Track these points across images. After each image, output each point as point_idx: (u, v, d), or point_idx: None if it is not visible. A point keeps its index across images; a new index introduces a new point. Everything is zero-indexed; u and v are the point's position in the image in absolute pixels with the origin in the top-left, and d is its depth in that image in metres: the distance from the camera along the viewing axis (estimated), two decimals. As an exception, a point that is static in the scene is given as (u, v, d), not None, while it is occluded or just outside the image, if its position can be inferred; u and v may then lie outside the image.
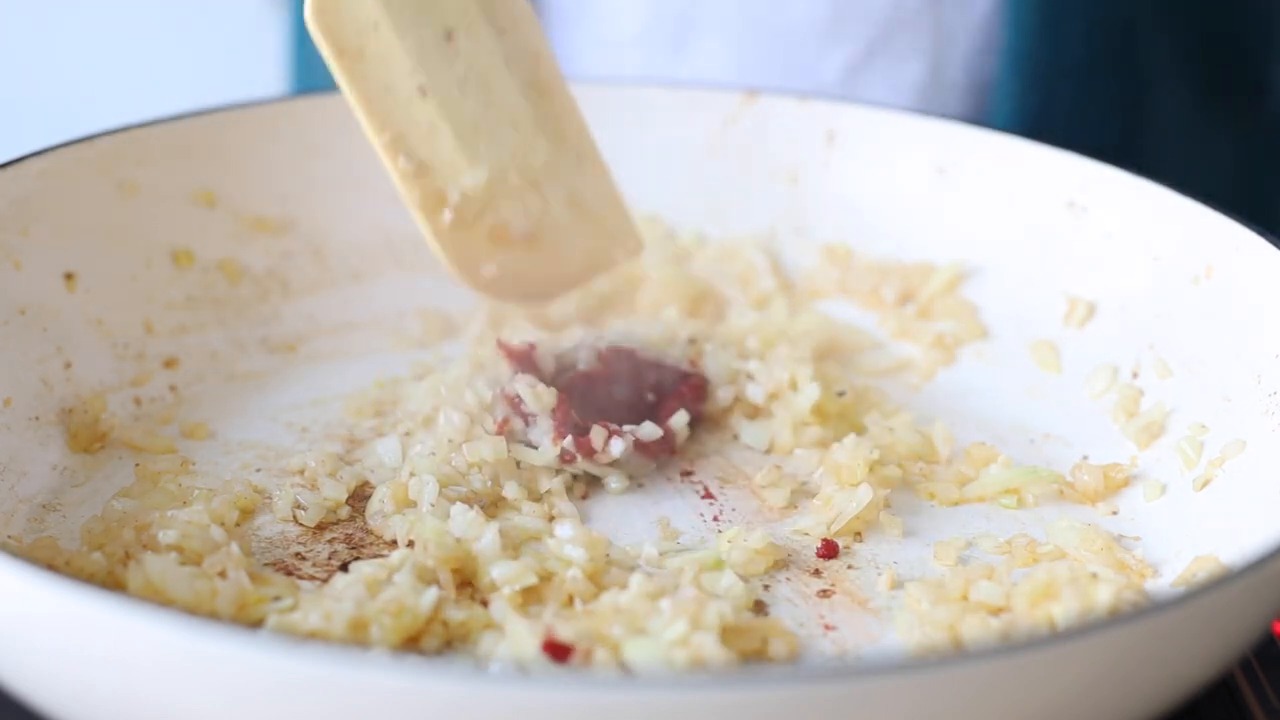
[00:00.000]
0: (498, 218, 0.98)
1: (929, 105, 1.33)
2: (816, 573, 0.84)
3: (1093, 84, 1.34)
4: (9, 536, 0.83)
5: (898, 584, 0.82)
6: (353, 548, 0.84)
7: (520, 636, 0.73)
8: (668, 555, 0.83)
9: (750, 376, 0.95)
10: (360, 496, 0.88)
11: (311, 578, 0.82)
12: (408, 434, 0.92)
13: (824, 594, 0.82)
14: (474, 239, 0.98)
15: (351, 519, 0.87)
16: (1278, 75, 1.47)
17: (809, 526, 0.86)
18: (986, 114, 1.34)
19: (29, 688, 0.67)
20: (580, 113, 1.01)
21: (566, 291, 1.04)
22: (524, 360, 0.92)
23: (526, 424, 0.88)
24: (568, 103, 1.01)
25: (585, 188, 1.02)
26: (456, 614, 0.77)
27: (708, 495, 0.90)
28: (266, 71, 1.78)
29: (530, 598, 0.79)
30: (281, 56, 1.57)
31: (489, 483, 0.86)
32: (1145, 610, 0.62)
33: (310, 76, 1.48)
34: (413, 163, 0.96)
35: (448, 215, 0.97)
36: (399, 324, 1.06)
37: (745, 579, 0.82)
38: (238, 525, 0.85)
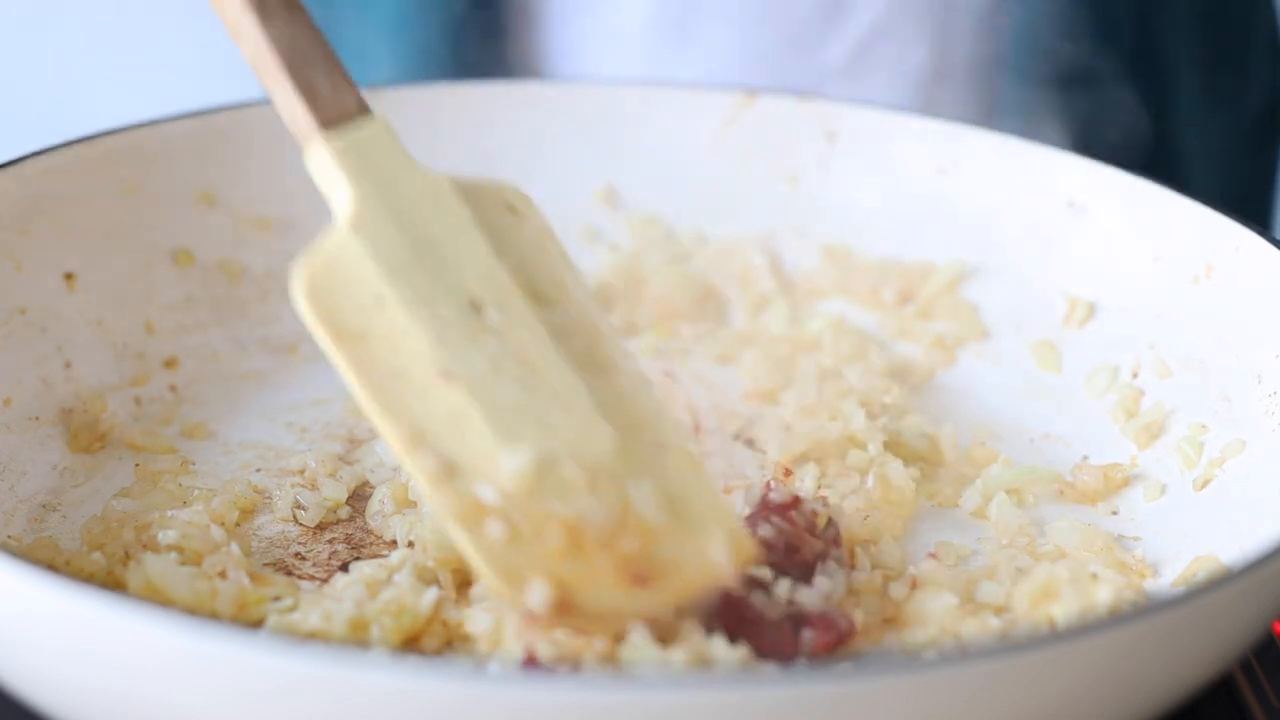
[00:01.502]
0: (551, 519, 0.73)
1: (933, 90, 1.33)
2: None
3: (1104, 66, 1.34)
4: (9, 536, 0.83)
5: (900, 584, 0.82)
6: (353, 548, 0.84)
7: (504, 653, 0.72)
8: None
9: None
10: (360, 496, 0.88)
11: (311, 578, 0.82)
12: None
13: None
14: (530, 551, 0.72)
15: (351, 519, 0.87)
16: (1257, 59, 1.48)
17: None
18: (993, 100, 1.35)
19: (29, 688, 0.67)
20: (654, 394, 0.80)
21: (652, 614, 0.74)
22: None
23: None
24: (637, 382, 0.79)
25: (669, 481, 0.76)
26: (456, 614, 0.77)
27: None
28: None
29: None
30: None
31: None
32: (1145, 610, 0.62)
33: None
34: (439, 461, 0.73)
35: (495, 527, 0.72)
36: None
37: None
38: (238, 525, 0.85)
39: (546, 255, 0.80)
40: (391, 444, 0.73)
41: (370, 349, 0.74)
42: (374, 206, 0.76)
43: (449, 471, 0.73)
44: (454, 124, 1.11)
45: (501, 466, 0.73)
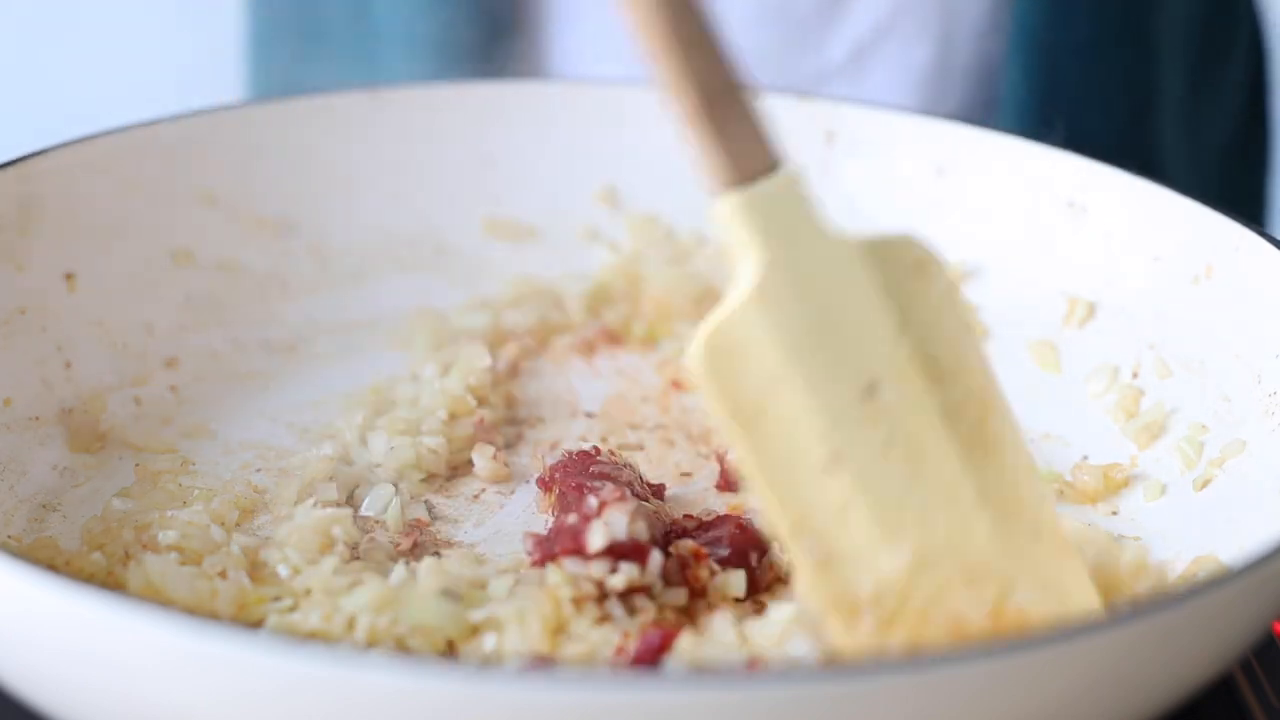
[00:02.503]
0: (923, 613, 0.72)
1: (937, 88, 1.33)
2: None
3: (1102, 61, 1.34)
4: (9, 536, 0.83)
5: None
6: (352, 547, 0.84)
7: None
8: None
9: None
10: (359, 496, 0.88)
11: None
12: (402, 433, 0.92)
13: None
14: (889, 640, 0.72)
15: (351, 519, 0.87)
16: (1241, 38, 1.48)
17: None
18: (995, 97, 1.35)
19: (29, 688, 0.67)
20: (1037, 475, 0.77)
21: None
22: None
23: None
24: (1019, 462, 0.76)
25: (1039, 570, 0.75)
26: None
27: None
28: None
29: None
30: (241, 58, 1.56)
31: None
32: (1145, 610, 0.62)
33: (270, 79, 1.48)
34: (822, 549, 0.71)
35: (868, 621, 0.71)
36: (399, 324, 1.06)
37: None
38: (238, 525, 0.85)
39: (949, 323, 0.75)
40: (777, 525, 0.71)
41: (765, 428, 0.71)
42: (780, 276, 0.72)
43: (828, 562, 0.71)
44: (454, 124, 1.11)
45: (880, 563, 0.71)
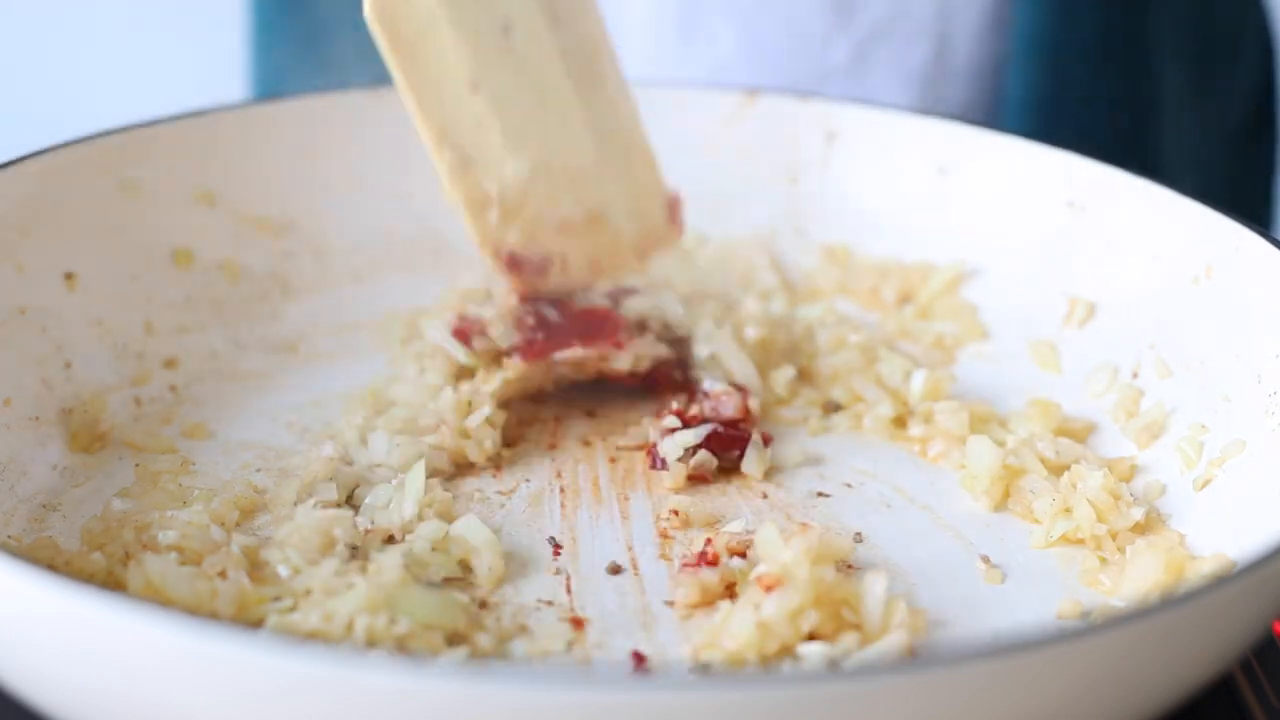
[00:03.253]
0: (538, 210, 0.97)
1: (937, 89, 1.33)
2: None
3: (1105, 63, 1.34)
4: (9, 536, 0.83)
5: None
6: (352, 548, 0.84)
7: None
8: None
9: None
10: (359, 496, 0.88)
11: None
12: (400, 431, 0.92)
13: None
14: (514, 231, 0.97)
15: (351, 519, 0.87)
16: (1245, 58, 1.48)
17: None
18: (997, 97, 1.35)
19: (29, 688, 0.67)
20: (632, 103, 1.00)
21: (598, 281, 1.03)
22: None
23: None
24: (620, 94, 1.00)
25: (629, 183, 1.00)
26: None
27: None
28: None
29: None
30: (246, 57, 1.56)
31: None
32: (1145, 610, 0.62)
33: (272, 76, 1.48)
34: (458, 156, 0.94)
35: (494, 214, 0.96)
36: (398, 324, 1.06)
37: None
38: (238, 525, 0.85)
39: None
40: (424, 138, 0.93)
41: (419, 59, 0.93)
42: None
43: (465, 164, 0.95)
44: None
45: (506, 168, 0.95)
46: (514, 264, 0.97)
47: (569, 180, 0.97)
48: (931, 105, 1.34)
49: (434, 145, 0.94)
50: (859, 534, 0.86)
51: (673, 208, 1.02)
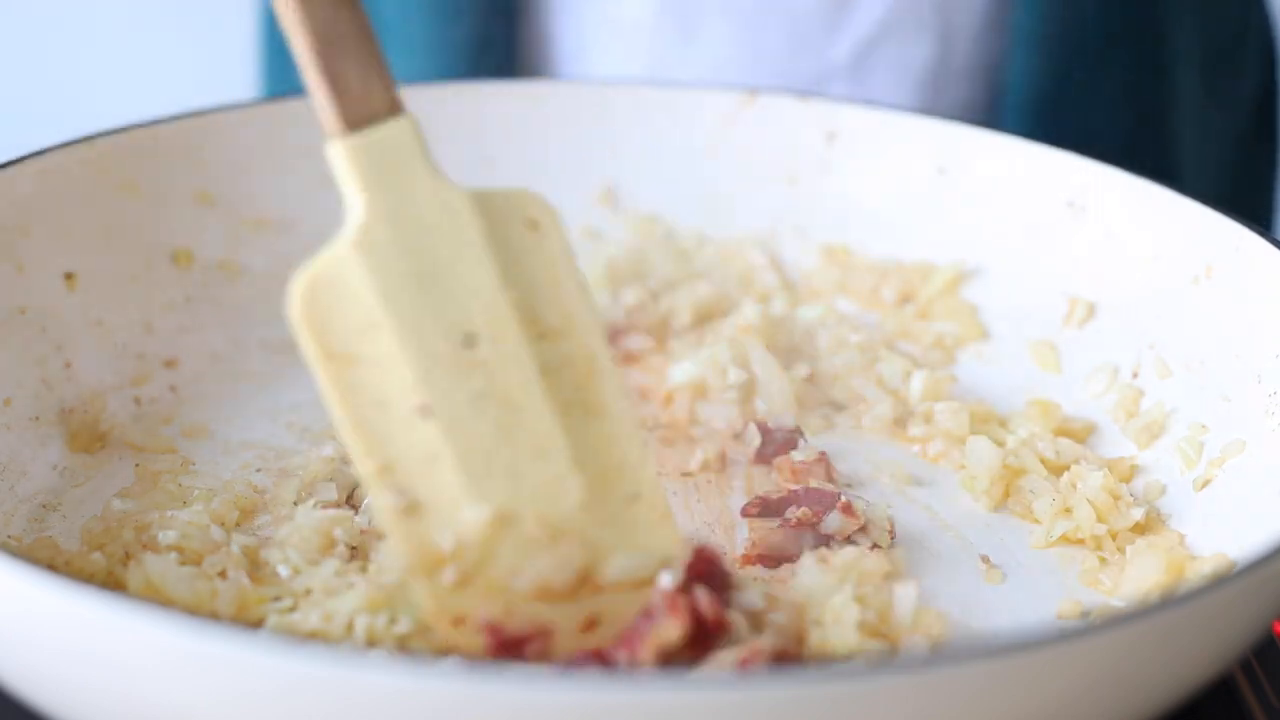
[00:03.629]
0: (507, 571, 0.72)
1: (938, 88, 1.33)
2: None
3: (1109, 62, 1.34)
4: (9, 536, 0.83)
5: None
6: (352, 548, 0.84)
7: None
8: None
9: None
10: (359, 496, 0.88)
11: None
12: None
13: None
14: (473, 596, 0.73)
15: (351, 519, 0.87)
16: (1251, 57, 1.48)
17: None
18: (997, 96, 1.35)
19: (29, 688, 0.67)
20: (639, 440, 0.76)
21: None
22: None
23: None
24: (622, 428, 0.76)
25: (630, 537, 0.75)
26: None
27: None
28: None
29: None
30: (255, 56, 1.57)
31: None
32: (1145, 610, 0.62)
33: (282, 78, 1.48)
34: (404, 499, 0.72)
35: (449, 574, 0.72)
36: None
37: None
38: (238, 525, 0.85)
39: (558, 280, 0.76)
40: (360, 471, 0.72)
41: (356, 373, 0.72)
42: (383, 222, 0.73)
43: (412, 510, 0.72)
44: (454, 124, 1.11)
45: (463, 515, 0.72)
46: (496, 638, 0.72)
47: (547, 533, 0.73)
48: (933, 104, 1.34)
49: (373, 483, 0.72)
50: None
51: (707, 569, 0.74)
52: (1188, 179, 1.38)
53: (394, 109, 0.74)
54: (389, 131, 0.73)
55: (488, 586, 0.72)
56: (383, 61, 0.74)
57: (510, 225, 0.75)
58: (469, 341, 0.73)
